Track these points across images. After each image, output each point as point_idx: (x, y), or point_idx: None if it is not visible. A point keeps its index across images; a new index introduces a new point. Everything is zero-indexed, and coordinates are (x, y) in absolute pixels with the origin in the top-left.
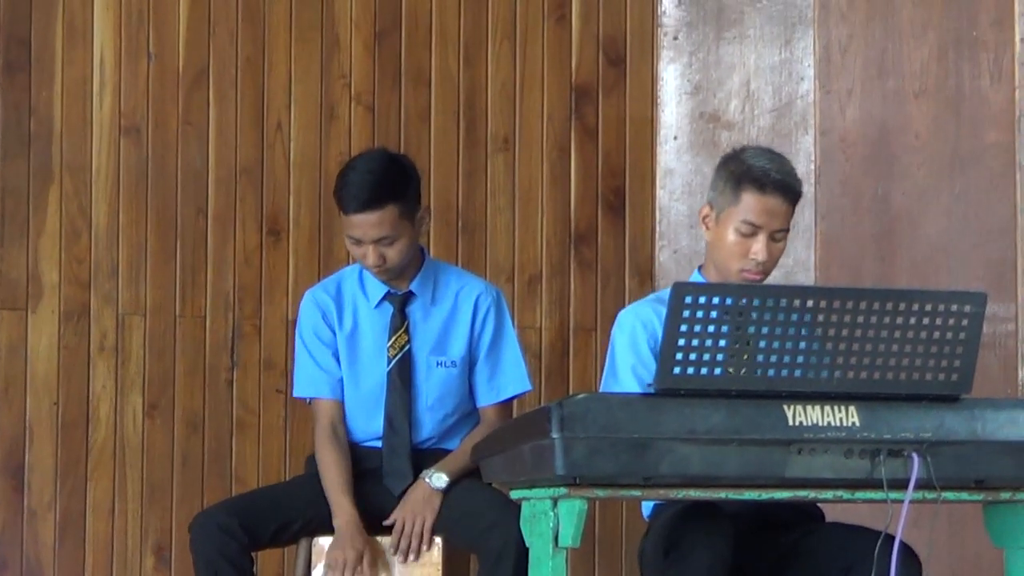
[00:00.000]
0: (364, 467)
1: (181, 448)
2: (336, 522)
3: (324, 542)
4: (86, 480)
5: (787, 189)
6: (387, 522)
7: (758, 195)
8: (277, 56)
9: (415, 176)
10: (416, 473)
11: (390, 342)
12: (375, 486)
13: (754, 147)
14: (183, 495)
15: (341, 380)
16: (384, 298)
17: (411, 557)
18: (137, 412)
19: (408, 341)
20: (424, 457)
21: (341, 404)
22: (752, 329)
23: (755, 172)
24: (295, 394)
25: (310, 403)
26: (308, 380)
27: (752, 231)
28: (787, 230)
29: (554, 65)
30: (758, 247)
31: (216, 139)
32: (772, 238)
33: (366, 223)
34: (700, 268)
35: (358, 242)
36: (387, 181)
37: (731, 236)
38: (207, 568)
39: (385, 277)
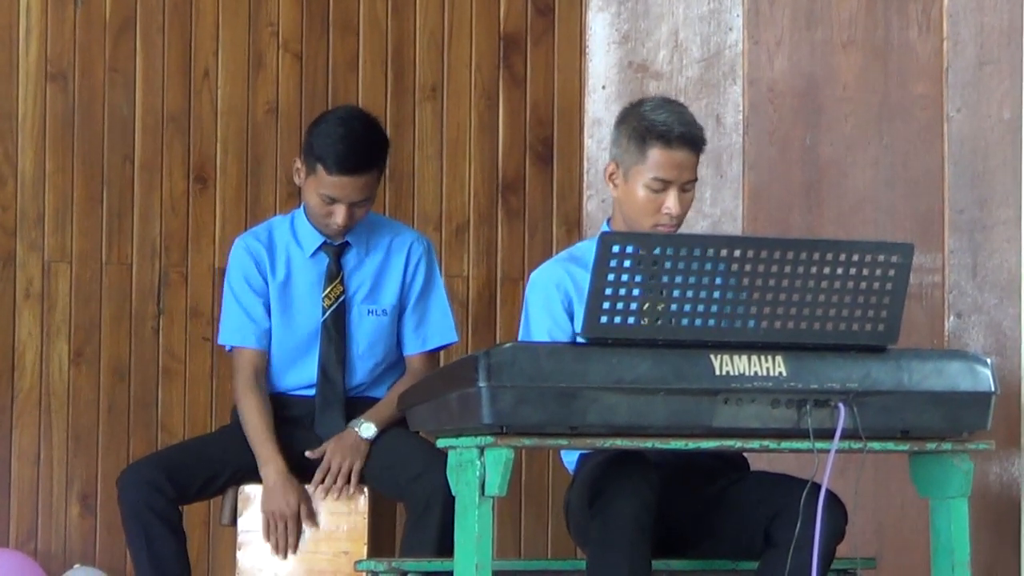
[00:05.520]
0: (292, 414)
1: (107, 396)
2: (264, 473)
3: (250, 490)
4: (11, 427)
5: (693, 140)
6: (312, 454)
7: (665, 150)
8: (204, 3)
9: (389, 140)
10: (346, 421)
11: (325, 292)
12: (304, 433)
13: (652, 99)
14: (109, 443)
15: (268, 331)
16: (319, 248)
17: (334, 495)
18: (63, 359)
19: (343, 291)
20: (353, 405)
21: (264, 354)
22: (679, 279)
23: (659, 127)
24: (220, 341)
25: (230, 351)
26: (235, 328)
27: (663, 186)
28: (696, 179)
29: (482, 14)
30: (671, 202)
31: (143, 86)
32: (682, 189)
33: (350, 185)
34: (608, 221)
35: (332, 201)
36: (375, 146)
37: (641, 193)
38: (135, 523)
39: (339, 233)
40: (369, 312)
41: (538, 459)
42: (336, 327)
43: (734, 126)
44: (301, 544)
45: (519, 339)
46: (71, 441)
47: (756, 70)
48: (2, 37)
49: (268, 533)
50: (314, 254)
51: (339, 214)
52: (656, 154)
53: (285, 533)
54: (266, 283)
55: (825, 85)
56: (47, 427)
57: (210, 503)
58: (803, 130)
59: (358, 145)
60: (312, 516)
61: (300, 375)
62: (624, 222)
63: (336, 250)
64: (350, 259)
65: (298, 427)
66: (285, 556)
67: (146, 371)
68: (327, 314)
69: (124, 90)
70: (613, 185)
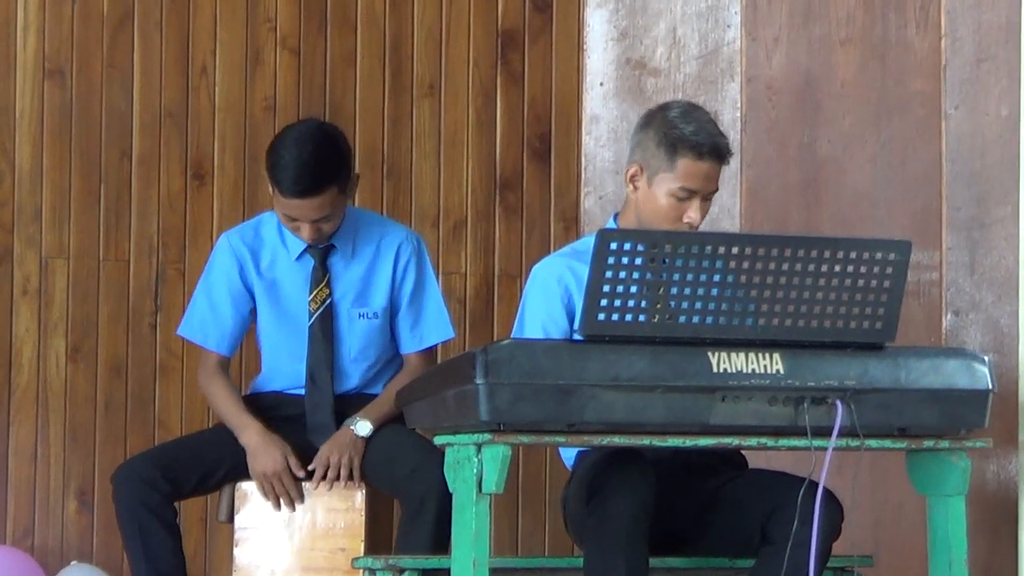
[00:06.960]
0: (286, 413)
1: (104, 392)
2: (245, 440)
3: (247, 487)
4: (8, 424)
5: (722, 152)
6: (312, 467)
7: (696, 162)
8: None
9: (350, 152)
10: (339, 421)
11: (311, 295)
12: (297, 435)
13: (677, 105)
14: (106, 440)
15: (230, 333)
16: (305, 251)
17: (339, 486)
18: (60, 356)
19: (330, 294)
20: (348, 403)
21: (222, 356)
22: (677, 276)
23: (691, 139)
24: (179, 331)
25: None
26: (198, 323)
27: (688, 196)
28: (717, 189)
29: (480, 10)
30: (693, 212)
31: (141, 82)
32: (703, 198)
33: (306, 207)
34: (616, 216)
35: (293, 219)
36: (326, 165)
37: (665, 200)
38: (131, 520)
39: (315, 242)
40: (360, 315)
41: (535, 456)
42: (324, 331)
43: (732, 123)
44: (298, 541)
45: (513, 330)
46: (68, 438)
47: (754, 67)
48: None
49: (266, 494)
50: (300, 256)
51: (304, 231)
52: (686, 164)
53: (283, 488)
54: (247, 286)
55: (823, 82)
56: (44, 424)
57: (207, 500)
58: (801, 127)
59: (308, 168)
60: (301, 466)
61: (293, 376)
62: (638, 224)
63: (322, 253)
64: (336, 262)
65: (292, 426)
66: (293, 508)
67: (143, 368)
68: (313, 318)
69: (121, 86)
70: (634, 187)
